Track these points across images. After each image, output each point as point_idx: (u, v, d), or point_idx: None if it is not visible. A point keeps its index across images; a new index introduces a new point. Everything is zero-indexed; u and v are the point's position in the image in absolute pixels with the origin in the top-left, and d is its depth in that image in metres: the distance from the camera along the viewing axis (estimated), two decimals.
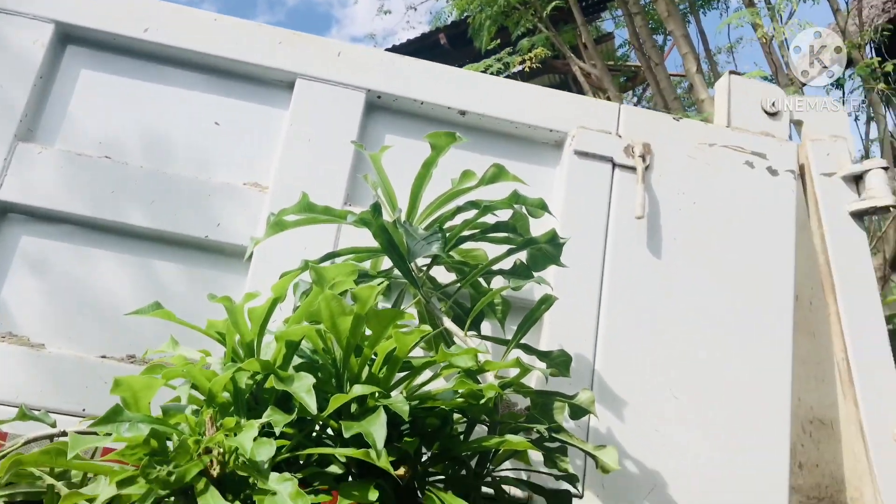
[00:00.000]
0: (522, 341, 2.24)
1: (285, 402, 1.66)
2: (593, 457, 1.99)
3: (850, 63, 5.50)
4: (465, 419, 1.94)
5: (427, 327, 1.75)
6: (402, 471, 1.64)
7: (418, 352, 2.14)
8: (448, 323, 2.13)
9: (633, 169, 2.75)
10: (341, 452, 1.47)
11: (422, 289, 2.17)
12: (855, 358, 2.75)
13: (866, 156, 2.95)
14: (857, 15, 5.80)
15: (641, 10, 6.07)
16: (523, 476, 2.18)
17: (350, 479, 1.65)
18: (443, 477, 1.86)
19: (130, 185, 2.52)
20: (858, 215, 2.92)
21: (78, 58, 2.69)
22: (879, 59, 5.21)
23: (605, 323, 2.58)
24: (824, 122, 3.07)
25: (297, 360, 1.75)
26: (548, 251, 2.20)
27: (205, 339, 1.91)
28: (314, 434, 1.72)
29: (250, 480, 1.40)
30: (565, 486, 2.08)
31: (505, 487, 2.10)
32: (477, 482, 1.90)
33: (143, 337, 2.37)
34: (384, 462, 1.41)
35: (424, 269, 2.30)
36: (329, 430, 1.75)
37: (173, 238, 2.52)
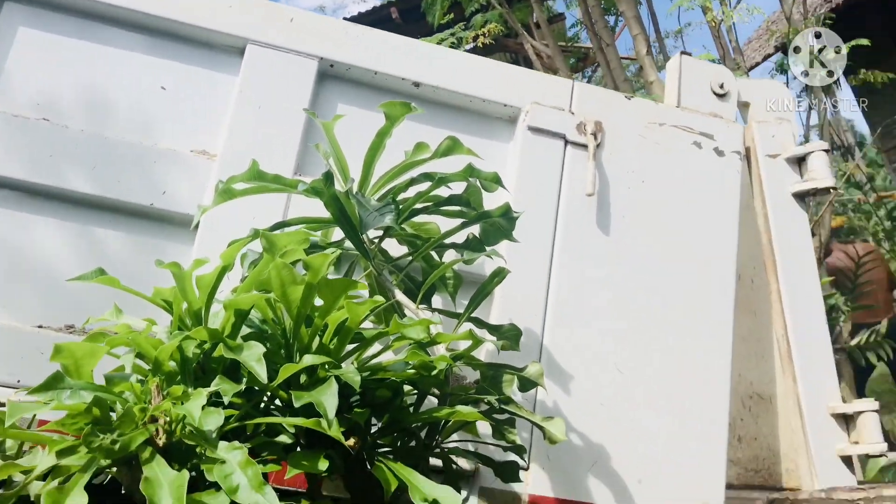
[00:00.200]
0: (473, 315, 2.24)
1: (233, 372, 1.63)
2: (541, 428, 2.01)
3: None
4: (415, 391, 1.94)
5: (380, 298, 1.74)
6: (351, 441, 1.63)
7: (367, 326, 2.13)
8: (400, 295, 2.12)
9: (584, 146, 2.77)
10: (292, 422, 1.45)
11: (373, 261, 2.15)
12: (794, 335, 2.85)
13: (807, 142, 3.05)
14: (802, 3, 5.93)
15: None
16: (471, 448, 2.19)
17: (299, 449, 1.63)
18: (392, 448, 1.86)
19: (70, 148, 2.42)
20: (800, 196, 3.01)
21: (15, 15, 2.56)
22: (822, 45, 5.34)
23: (554, 299, 2.61)
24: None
25: (245, 330, 1.72)
26: (501, 225, 2.20)
27: (149, 310, 1.86)
28: (262, 405, 1.70)
29: (197, 450, 1.37)
30: (513, 457, 2.11)
31: (453, 460, 2.11)
32: (426, 453, 1.90)
33: (83, 307, 2.28)
34: (335, 431, 1.40)
35: (376, 241, 2.27)
36: (277, 402, 1.73)
37: (116, 205, 2.43)
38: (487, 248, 2.22)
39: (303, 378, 1.67)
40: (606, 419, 2.56)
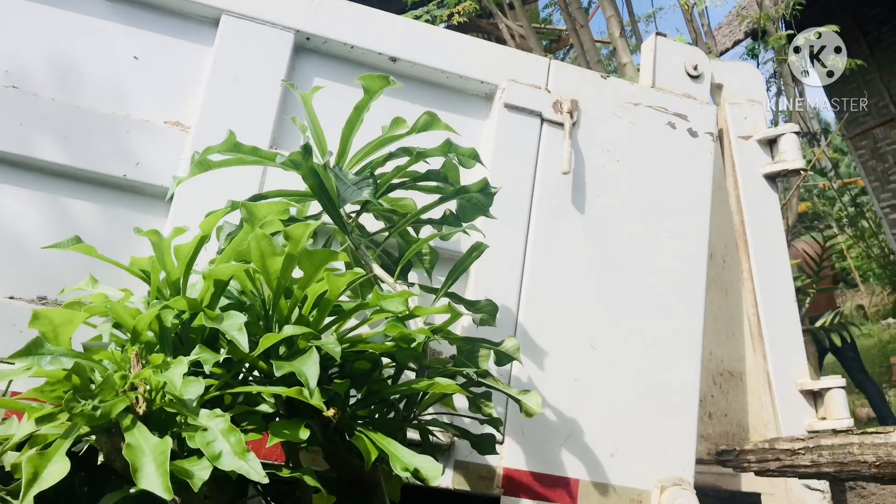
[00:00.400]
0: (450, 290, 2.25)
1: (212, 342, 1.62)
2: (518, 401, 2.03)
3: (765, 34, 5.70)
4: (393, 364, 1.94)
5: (360, 270, 1.74)
6: (331, 412, 1.63)
7: (344, 300, 2.12)
8: (378, 269, 2.12)
9: (560, 125, 2.78)
10: (273, 391, 1.45)
11: (351, 235, 2.14)
12: (765, 313, 2.91)
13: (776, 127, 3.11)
14: None
15: None
16: (448, 422, 2.21)
17: (279, 420, 1.63)
18: (370, 420, 1.87)
19: (41, 118, 2.37)
20: (772, 177, 3.06)
21: None
22: (791, 31, 5.42)
23: (530, 275, 2.63)
24: (743, 86, 3.18)
25: (224, 302, 1.70)
26: (478, 201, 2.21)
27: (124, 283, 1.84)
28: (241, 376, 1.69)
29: (178, 418, 1.36)
30: (489, 430, 2.13)
31: (430, 433, 2.12)
32: (404, 425, 1.91)
33: (55, 278, 2.25)
34: (317, 400, 1.40)
35: (353, 216, 2.27)
36: (256, 373, 1.72)
37: (88, 176, 2.39)
38: (464, 225, 2.23)
39: (282, 350, 1.66)
40: (580, 394, 2.59)
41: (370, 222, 2.41)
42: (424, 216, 2.29)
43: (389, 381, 1.92)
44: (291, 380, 1.51)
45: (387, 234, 2.32)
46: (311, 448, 1.84)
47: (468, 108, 2.86)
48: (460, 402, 2.23)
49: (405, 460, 1.52)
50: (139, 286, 1.80)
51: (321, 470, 1.80)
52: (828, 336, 5.31)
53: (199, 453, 1.29)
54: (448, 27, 6.40)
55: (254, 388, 1.53)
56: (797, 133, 3.01)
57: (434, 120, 2.20)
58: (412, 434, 2.09)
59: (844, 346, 6.02)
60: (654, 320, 2.73)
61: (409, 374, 2.06)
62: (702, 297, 2.80)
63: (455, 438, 2.41)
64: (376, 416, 1.88)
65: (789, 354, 2.95)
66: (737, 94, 3.17)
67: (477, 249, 2.16)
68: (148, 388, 1.33)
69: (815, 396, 2.95)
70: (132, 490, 1.33)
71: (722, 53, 8.46)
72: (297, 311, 1.70)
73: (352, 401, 1.84)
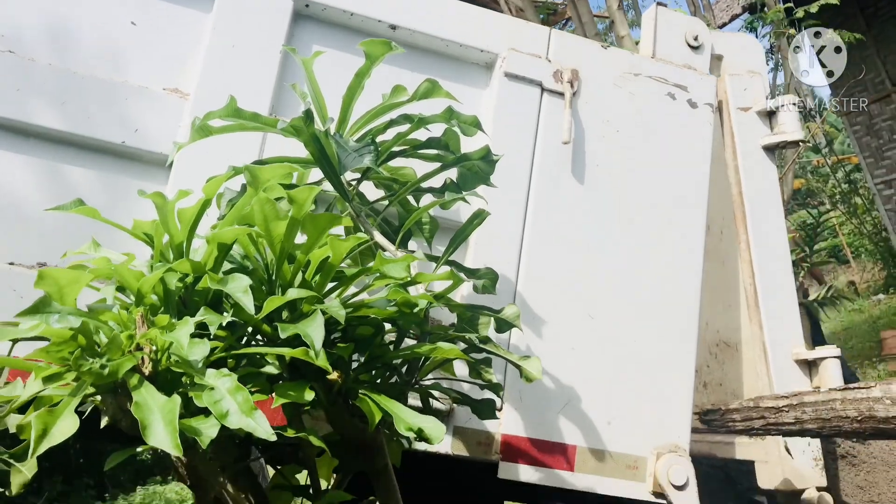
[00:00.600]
0: (450, 259, 2.25)
1: (216, 306, 1.62)
2: (518, 366, 2.05)
3: (763, 6, 5.67)
4: (395, 330, 1.96)
5: (363, 235, 1.74)
6: (335, 375, 1.65)
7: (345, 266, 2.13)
8: (379, 237, 2.12)
9: (561, 94, 2.77)
10: (279, 352, 1.46)
11: (352, 203, 2.14)
12: (761, 283, 2.93)
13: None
14: None
15: None
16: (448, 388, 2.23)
17: (282, 382, 1.64)
18: (373, 384, 1.88)
19: (38, 83, 2.35)
20: (770, 149, 3.06)
21: None
22: (789, 4, 5.39)
23: (529, 245, 2.63)
24: (743, 57, 3.17)
25: (226, 266, 1.70)
26: (479, 169, 2.21)
27: (125, 249, 1.84)
28: (245, 340, 1.70)
29: (184, 379, 1.37)
30: (489, 395, 2.15)
31: (430, 399, 2.14)
32: (406, 389, 1.92)
33: (55, 244, 2.23)
34: (322, 361, 1.41)
35: (353, 183, 2.26)
36: (259, 337, 1.73)
37: (87, 142, 2.38)
38: (465, 193, 2.23)
39: (285, 314, 1.67)
40: (577, 362, 2.61)
41: (370, 191, 2.41)
42: (425, 185, 2.28)
43: (391, 347, 1.93)
44: (296, 343, 1.52)
45: (387, 202, 2.32)
46: (314, 412, 1.85)
47: (468, 77, 2.84)
48: (460, 370, 2.25)
49: (409, 421, 1.54)
50: (142, 251, 1.80)
51: (324, 434, 1.82)
52: (821, 310, 5.36)
53: (205, 413, 1.30)
54: None
55: (259, 350, 1.54)
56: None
57: (435, 87, 2.20)
58: (413, 401, 2.11)
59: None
60: (652, 290, 2.75)
61: (410, 342, 2.07)
62: (699, 268, 2.82)
63: (454, 405, 2.43)
64: (378, 380, 1.90)
65: (785, 324, 2.98)
66: (737, 66, 3.16)
67: (479, 217, 2.16)
68: (154, 348, 1.34)
69: (809, 366, 2.98)
70: (139, 448, 1.34)
71: (719, 27, 8.41)
72: (300, 275, 1.70)
73: (354, 365, 1.85)
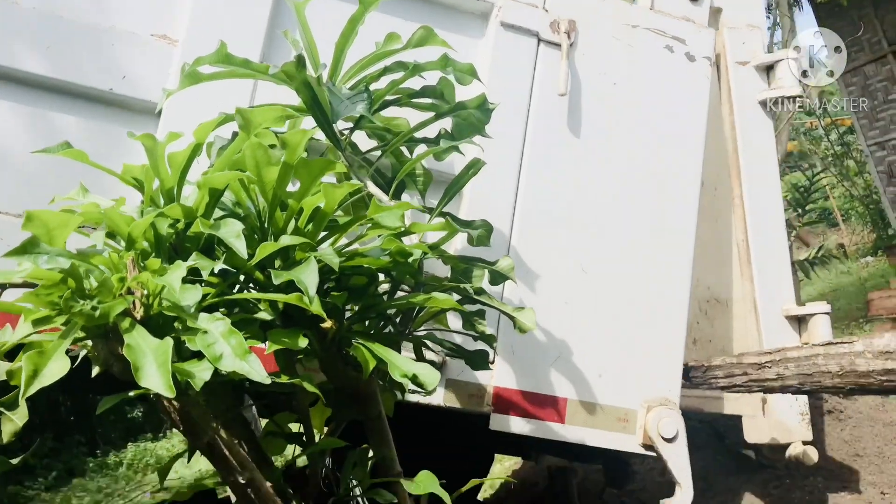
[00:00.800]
0: (444, 210, 2.23)
1: (208, 253, 1.60)
2: (512, 318, 2.05)
3: None
4: (389, 280, 1.94)
5: (357, 182, 1.72)
6: (329, 323, 1.64)
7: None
8: (372, 187, 2.10)
9: (557, 45, 2.72)
10: (272, 297, 1.45)
11: (345, 152, 2.11)
12: (754, 240, 2.92)
13: None
14: None
15: None
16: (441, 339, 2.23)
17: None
18: (366, 333, 1.87)
19: (21, 27, 2.29)
20: (767, 104, 3.03)
21: None
22: None
23: (524, 198, 2.61)
24: (742, 11, 3.13)
25: (217, 213, 1.68)
26: (474, 119, 2.17)
27: (115, 194, 1.80)
28: (237, 287, 1.68)
29: (176, 324, 1.35)
30: (483, 346, 2.15)
31: (424, 349, 2.14)
32: (400, 339, 1.92)
33: (42, 193, 2.17)
34: (317, 307, 1.39)
35: (346, 132, 2.23)
36: (251, 285, 1.71)
37: (73, 89, 2.33)
38: (461, 141, 2.20)
39: (277, 262, 1.65)
40: (570, 316, 2.62)
41: (363, 141, 2.37)
42: (419, 134, 2.25)
43: (385, 297, 1.92)
44: (289, 291, 1.50)
45: (380, 153, 2.28)
46: (307, 362, 1.84)
47: (463, 27, 2.78)
48: (453, 323, 2.25)
49: (404, 368, 1.53)
50: (131, 200, 1.77)
51: (317, 384, 1.81)
52: (812, 269, 5.39)
53: (198, 357, 1.29)
54: None
55: (251, 295, 1.53)
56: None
57: (430, 35, 2.15)
58: (406, 352, 2.10)
59: None
60: (646, 245, 2.74)
61: (406, 293, 2.06)
62: (693, 224, 2.81)
63: (447, 358, 2.43)
64: (372, 331, 1.89)
65: (776, 281, 2.98)
66: (735, 19, 3.12)
67: (474, 166, 2.14)
68: (145, 292, 1.32)
69: (799, 322, 3.00)
70: (131, 393, 1.33)
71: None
72: (292, 223, 1.68)
73: (347, 315, 1.84)
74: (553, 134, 2.67)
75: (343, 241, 1.86)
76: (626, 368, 2.67)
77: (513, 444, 3.08)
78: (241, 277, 1.67)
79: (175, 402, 1.39)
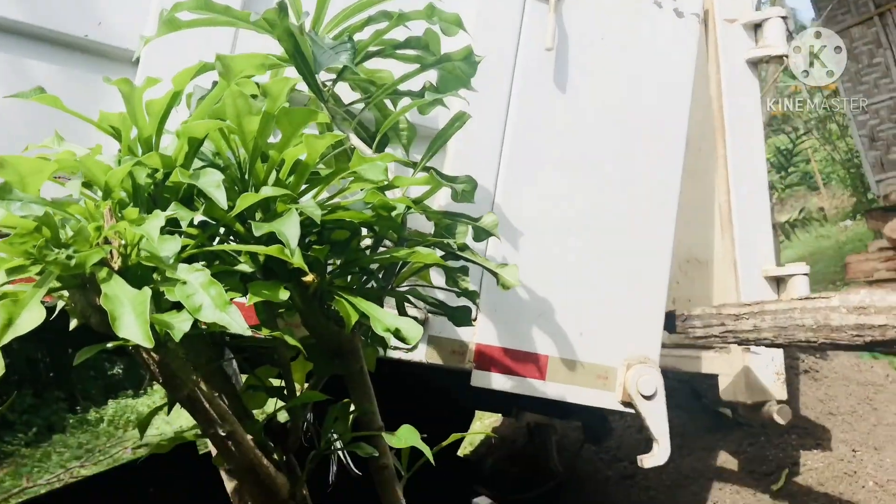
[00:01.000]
0: (428, 165, 2.20)
1: (187, 204, 1.57)
2: (495, 274, 2.04)
3: None
4: (372, 235, 1.92)
5: (340, 133, 1.68)
6: (310, 277, 1.62)
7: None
8: (355, 139, 2.06)
9: None
10: (253, 249, 1.42)
11: (327, 104, 2.07)
12: (736, 200, 2.92)
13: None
14: None
15: None
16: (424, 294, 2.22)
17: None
18: (349, 288, 1.86)
19: None
20: (754, 63, 3.01)
21: None
22: None
23: (508, 154, 2.59)
24: None
25: (197, 164, 1.64)
26: (460, 71, 2.13)
27: (92, 144, 1.76)
28: (217, 240, 1.65)
29: (155, 276, 1.33)
30: (465, 303, 2.14)
31: (408, 305, 2.13)
32: (382, 294, 1.91)
33: (15, 143, 2.14)
34: (298, 260, 1.37)
35: (329, 84, 2.18)
36: (232, 238, 1.69)
37: (47, 35, 2.25)
38: (446, 93, 2.16)
39: (258, 215, 1.62)
40: (552, 275, 2.62)
41: (346, 94, 2.32)
42: (403, 87, 2.21)
43: (368, 252, 1.90)
44: (270, 243, 1.48)
45: (363, 105, 2.24)
46: (288, 315, 1.83)
47: None
48: (436, 279, 2.24)
49: (386, 322, 1.52)
50: (108, 147, 1.73)
51: (299, 337, 1.80)
52: (793, 231, 5.42)
53: (177, 308, 1.27)
54: None
55: (232, 247, 1.50)
56: (784, 17, 2.95)
57: None
58: (389, 309, 2.09)
59: None
60: (629, 203, 2.74)
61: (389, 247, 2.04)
62: (678, 182, 2.80)
63: (429, 314, 2.43)
64: (354, 285, 1.87)
65: (757, 241, 3.00)
66: None
67: (459, 119, 2.10)
68: (123, 242, 1.29)
69: (778, 283, 3.02)
70: (109, 344, 1.31)
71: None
72: (273, 174, 1.64)
73: (329, 269, 1.82)
74: (539, 89, 2.64)
75: (325, 194, 1.83)
76: (607, 326, 2.68)
77: (494, 400, 3.10)
78: (222, 230, 1.64)
79: (154, 355, 1.37)
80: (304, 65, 1.97)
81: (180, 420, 7.91)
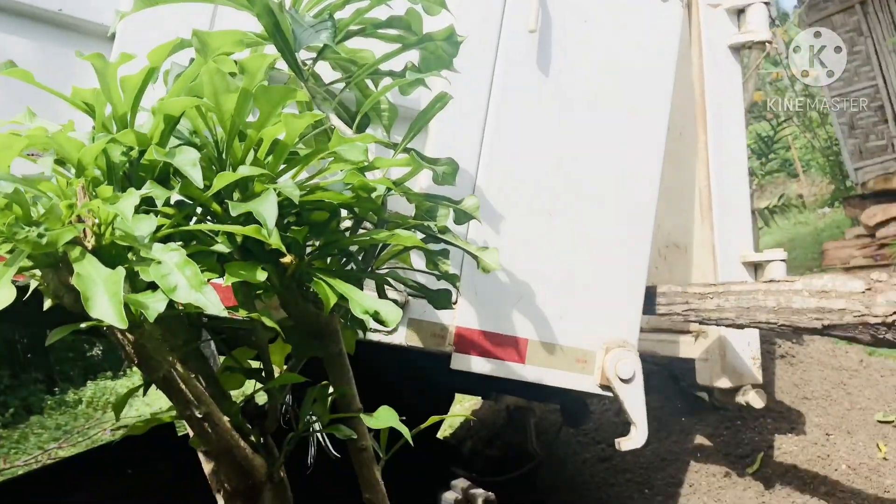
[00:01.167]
0: (409, 147, 2.19)
1: (163, 183, 1.54)
2: (476, 257, 2.03)
3: None
4: (352, 217, 1.90)
5: (319, 112, 1.66)
6: (288, 258, 1.60)
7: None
8: (335, 119, 2.04)
9: None
10: (230, 229, 1.40)
11: (307, 83, 2.04)
12: (717, 185, 2.94)
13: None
14: None
15: None
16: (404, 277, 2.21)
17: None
18: (328, 270, 1.84)
19: None
20: (737, 49, 3.01)
21: None
22: None
23: (490, 137, 2.58)
24: None
25: (173, 142, 1.61)
26: (442, 51, 2.11)
27: (65, 121, 1.72)
28: (193, 220, 1.63)
29: (129, 255, 1.31)
30: (446, 286, 2.14)
31: (387, 287, 2.12)
32: (362, 276, 1.89)
33: None
34: (275, 240, 1.36)
35: (309, 63, 2.15)
36: (209, 218, 1.66)
37: (19, 8, 2.20)
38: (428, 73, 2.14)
39: (236, 195, 1.60)
40: (533, 259, 2.61)
41: (327, 73, 2.29)
42: (384, 67, 2.18)
43: (347, 234, 1.88)
44: (247, 224, 1.46)
45: (344, 85, 2.21)
46: (266, 297, 1.81)
47: None
48: (416, 262, 2.23)
49: (365, 304, 1.51)
50: (81, 124, 1.69)
51: (278, 319, 1.78)
52: (772, 217, 5.46)
53: (152, 288, 1.25)
54: None
55: (208, 227, 1.48)
56: (766, 3, 2.95)
57: None
58: (368, 291, 2.08)
59: None
60: (610, 187, 2.74)
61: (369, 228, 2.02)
62: (659, 167, 2.81)
63: (409, 297, 2.42)
64: (334, 267, 1.86)
65: (736, 227, 3.01)
66: None
67: (441, 100, 2.08)
68: (97, 221, 1.27)
69: (756, 268, 3.04)
70: (83, 325, 1.29)
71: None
72: (251, 154, 1.62)
73: (308, 251, 1.80)
74: (522, 71, 2.62)
75: (304, 174, 1.81)
76: (586, 310, 2.69)
77: (474, 383, 3.10)
78: (198, 209, 1.62)
79: (129, 335, 1.35)
80: (284, 43, 1.94)
81: (160, 402, 7.87)
